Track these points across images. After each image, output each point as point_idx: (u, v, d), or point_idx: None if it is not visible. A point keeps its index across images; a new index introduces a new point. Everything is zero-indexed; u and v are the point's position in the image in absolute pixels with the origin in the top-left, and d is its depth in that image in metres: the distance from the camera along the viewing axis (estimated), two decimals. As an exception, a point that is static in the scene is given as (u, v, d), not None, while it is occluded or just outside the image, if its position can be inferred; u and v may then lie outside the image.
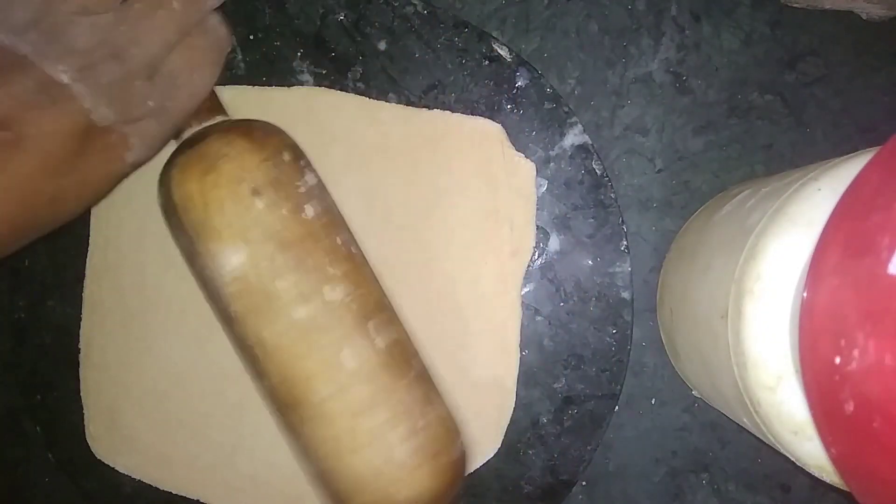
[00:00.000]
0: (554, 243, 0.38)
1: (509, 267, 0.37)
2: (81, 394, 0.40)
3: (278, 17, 0.39)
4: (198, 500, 0.39)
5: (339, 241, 0.31)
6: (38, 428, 0.41)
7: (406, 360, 0.31)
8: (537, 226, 0.38)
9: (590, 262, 0.38)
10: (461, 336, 0.37)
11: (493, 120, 0.38)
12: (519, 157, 0.37)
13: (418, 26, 0.38)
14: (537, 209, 0.38)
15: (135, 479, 0.39)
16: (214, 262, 0.29)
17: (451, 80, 0.38)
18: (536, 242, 0.38)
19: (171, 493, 0.39)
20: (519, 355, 0.38)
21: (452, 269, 0.37)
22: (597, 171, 0.38)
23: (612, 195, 0.38)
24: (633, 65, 0.40)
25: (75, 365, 0.40)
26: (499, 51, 0.38)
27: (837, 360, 0.19)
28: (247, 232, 0.29)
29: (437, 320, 0.37)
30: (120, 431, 0.39)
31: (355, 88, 0.39)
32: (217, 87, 0.39)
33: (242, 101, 0.39)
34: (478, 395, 0.37)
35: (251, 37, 0.39)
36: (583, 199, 0.38)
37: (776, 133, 0.40)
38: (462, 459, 0.31)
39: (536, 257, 0.38)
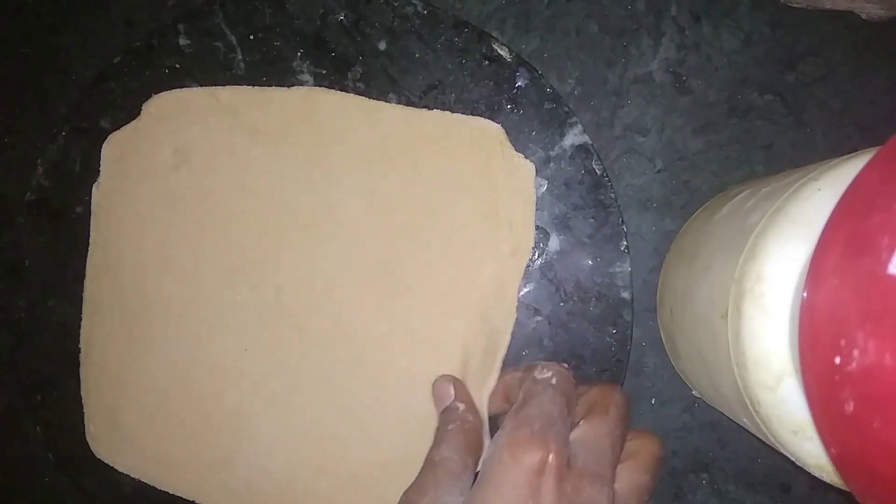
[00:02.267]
0: (554, 243, 0.38)
1: (508, 267, 0.37)
2: (82, 393, 0.40)
3: (278, 17, 0.39)
4: (194, 502, 0.39)
5: None
6: (38, 428, 0.41)
7: None
8: (537, 226, 0.38)
9: (590, 262, 0.38)
10: (461, 338, 0.37)
11: (493, 120, 0.38)
12: (519, 158, 0.37)
13: (418, 26, 0.38)
14: (537, 209, 0.38)
15: (134, 478, 0.39)
16: None
17: (451, 80, 0.38)
18: (536, 242, 0.38)
19: (170, 493, 0.39)
20: (502, 357, 0.37)
21: (452, 269, 0.37)
22: (597, 171, 0.38)
23: (612, 195, 0.38)
24: (633, 65, 0.40)
25: (75, 365, 0.40)
26: (499, 51, 0.38)
27: (837, 360, 0.19)
28: None
29: (437, 321, 0.37)
30: (119, 431, 0.39)
31: (355, 88, 0.39)
32: (217, 87, 0.39)
33: (242, 100, 0.39)
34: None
35: (251, 37, 0.39)
36: (583, 199, 0.38)
37: (776, 133, 0.40)
38: None
39: (536, 257, 0.38)
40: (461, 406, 0.33)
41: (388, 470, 0.37)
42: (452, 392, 0.34)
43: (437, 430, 0.33)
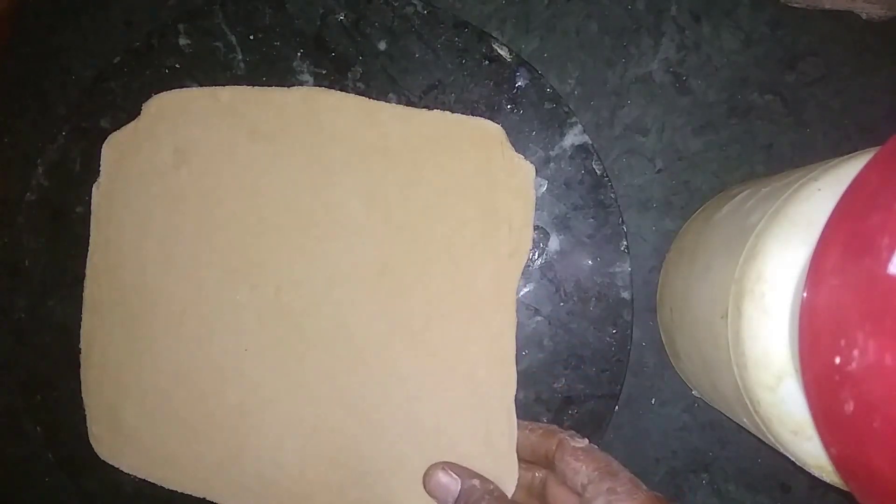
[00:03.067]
0: (554, 243, 0.38)
1: (506, 268, 0.37)
2: (83, 394, 0.40)
3: (278, 17, 0.39)
4: (203, 499, 0.39)
5: None
6: (38, 428, 0.41)
7: None
8: (537, 226, 0.38)
9: (590, 262, 0.38)
10: (459, 339, 0.37)
11: (493, 120, 0.38)
12: (519, 159, 0.37)
13: (418, 26, 0.38)
14: (537, 209, 0.38)
15: (135, 478, 0.39)
16: None
17: (451, 80, 0.38)
18: (536, 242, 0.38)
19: (171, 492, 0.39)
20: (514, 364, 0.36)
21: (451, 269, 0.37)
22: (597, 171, 0.38)
23: (612, 195, 0.38)
24: (633, 65, 0.40)
25: (75, 365, 0.40)
26: (499, 51, 0.38)
27: (837, 360, 0.19)
28: None
29: (436, 322, 0.37)
30: (122, 432, 0.39)
31: (355, 88, 0.39)
32: (217, 87, 0.39)
33: (242, 100, 0.39)
34: (475, 397, 0.37)
35: (251, 37, 0.39)
36: (583, 199, 0.38)
37: (776, 133, 0.40)
38: None
39: (536, 257, 0.38)
40: (476, 482, 0.33)
41: (400, 464, 0.37)
42: (455, 477, 0.34)
43: None
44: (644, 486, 0.30)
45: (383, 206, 0.38)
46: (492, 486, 0.33)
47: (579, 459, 0.31)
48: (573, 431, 0.34)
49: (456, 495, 0.33)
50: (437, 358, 0.37)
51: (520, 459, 0.35)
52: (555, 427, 0.35)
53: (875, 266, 0.19)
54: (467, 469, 0.34)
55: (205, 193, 0.39)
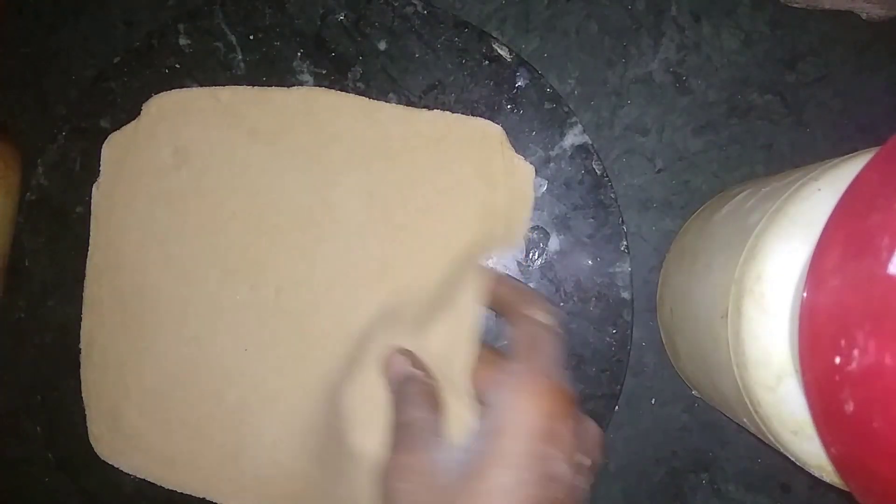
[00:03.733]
0: (554, 243, 0.38)
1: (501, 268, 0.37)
2: (83, 394, 0.40)
3: (278, 17, 0.39)
4: (203, 499, 0.39)
5: None
6: (38, 428, 0.41)
7: None
8: (538, 226, 0.38)
9: (590, 262, 0.38)
10: (459, 338, 0.37)
11: (493, 120, 0.38)
12: (518, 159, 0.37)
13: (418, 26, 0.38)
14: (537, 209, 0.38)
15: (135, 478, 0.39)
16: None
17: (451, 80, 0.38)
18: (537, 242, 0.38)
19: (171, 491, 0.39)
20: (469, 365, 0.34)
21: (450, 269, 0.37)
22: (597, 171, 0.38)
23: (612, 195, 0.38)
24: (633, 65, 0.40)
25: (75, 365, 0.40)
26: (499, 51, 0.38)
27: (837, 360, 0.19)
28: None
29: (435, 322, 0.37)
30: (122, 432, 0.39)
31: (355, 88, 0.39)
32: (217, 87, 0.39)
33: (242, 100, 0.39)
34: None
35: (251, 37, 0.39)
36: (583, 199, 0.38)
37: (776, 133, 0.40)
38: None
39: (536, 257, 0.38)
40: (419, 373, 0.33)
41: None
42: (406, 362, 0.33)
43: (395, 395, 0.32)
44: (549, 375, 0.28)
45: (382, 205, 0.38)
46: (429, 383, 0.32)
47: (521, 332, 0.30)
48: (550, 306, 0.31)
49: (399, 377, 0.33)
50: (436, 359, 0.37)
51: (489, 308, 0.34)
52: (533, 297, 0.32)
53: (875, 266, 0.19)
54: (421, 363, 0.34)
55: (205, 193, 0.39)
